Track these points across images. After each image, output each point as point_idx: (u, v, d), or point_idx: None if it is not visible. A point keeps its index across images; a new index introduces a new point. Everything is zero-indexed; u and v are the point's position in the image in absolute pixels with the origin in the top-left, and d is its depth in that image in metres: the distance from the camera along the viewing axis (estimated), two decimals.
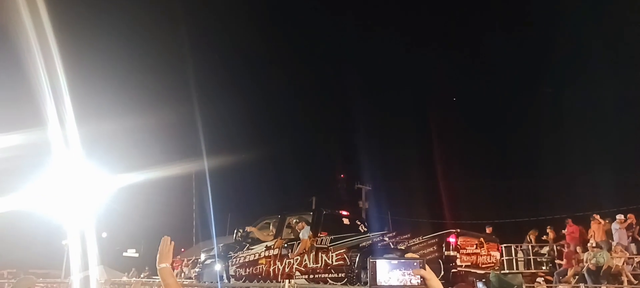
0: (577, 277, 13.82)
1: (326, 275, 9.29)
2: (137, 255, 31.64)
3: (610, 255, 13.33)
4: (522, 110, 34.32)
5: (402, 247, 8.59)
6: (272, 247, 10.46)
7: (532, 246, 16.08)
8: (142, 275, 20.50)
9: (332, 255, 9.36)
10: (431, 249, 8.35)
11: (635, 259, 13.59)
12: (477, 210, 19.90)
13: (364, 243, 9.14)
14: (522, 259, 16.22)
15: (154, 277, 19.69)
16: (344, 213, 11.16)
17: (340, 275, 9.07)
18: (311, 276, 9.49)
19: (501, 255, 15.72)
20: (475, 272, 8.45)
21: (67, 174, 15.86)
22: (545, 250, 16.00)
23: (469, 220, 18.80)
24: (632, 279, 12.68)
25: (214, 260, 11.50)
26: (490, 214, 21.49)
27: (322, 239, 9.71)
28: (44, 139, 14.79)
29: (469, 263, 8.43)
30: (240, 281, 10.57)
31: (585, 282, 13.30)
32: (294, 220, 10.59)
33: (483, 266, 8.82)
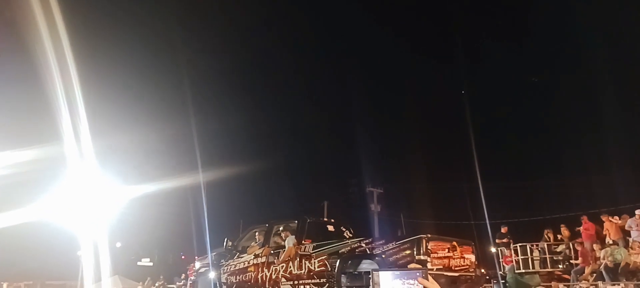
0: (595, 274, 13.73)
1: (309, 281, 9.93)
2: (151, 264, 31.99)
3: (628, 251, 13.23)
4: (536, 109, 34.21)
5: (378, 252, 9.24)
6: (260, 255, 11.15)
7: (548, 244, 15.96)
8: (157, 284, 20.72)
9: (314, 262, 9.97)
10: (404, 254, 8.90)
11: None
12: (492, 210, 19.87)
13: (343, 250, 9.77)
14: (538, 258, 16.11)
15: (169, 286, 19.89)
16: (329, 220, 11.93)
17: (322, 281, 9.68)
18: (296, 282, 10.19)
19: (516, 254, 15.78)
20: (447, 275, 9.03)
21: (81, 186, 16.16)
22: (560, 248, 15.89)
23: (483, 219, 18.77)
24: None
25: (208, 268, 12.28)
26: (505, 214, 21.42)
27: (306, 246, 10.36)
28: (58, 151, 15.13)
29: (441, 266, 8.98)
30: None
31: (603, 280, 13.21)
32: (280, 229, 11.27)
33: (456, 269, 9.34)
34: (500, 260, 17.48)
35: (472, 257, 9.86)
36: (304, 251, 10.29)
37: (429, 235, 9.09)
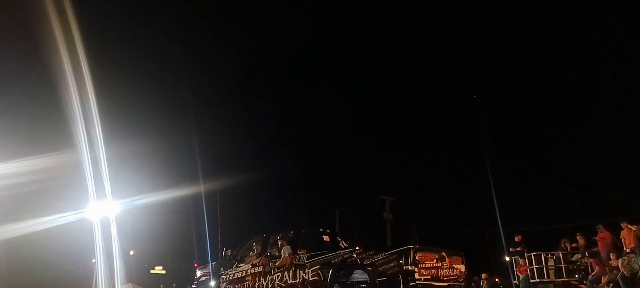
0: (611, 284, 13.47)
1: None
2: (164, 272, 32.18)
3: None
4: (552, 115, 33.90)
5: (368, 263, 9.65)
6: (257, 264, 11.66)
7: (564, 254, 15.72)
8: None
9: (308, 271, 10.44)
10: (392, 265, 9.28)
11: None
12: (506, 217, 19.67)
13: (335, 260, 10.21)
14: (553, 267, 15.87)
15: None
16: (324, 230, 12.38)
17: None
18: None
19: (531, 264, 15.57)
20: (436, 285, 9.37)
21: (95, 194, 16.40)
22: (576, 257, 15.63)
23: (496, 228, 18.59)
24: None
25: (208, 277, 12.91)
26: (520, 222, 21.21)
27: (300, 256, 10.86)
28: (72, 160, 15.39)
29: (429, 277, 9.33)
30: None
31: None
32: (277, 239, 11.70)
33: (445, 279, 9.64)
34: (515, 269, 17.24)
35: (462, 267, 10.15)
36: (299, 261, 10.75)
37: (417, 246, 9.50)
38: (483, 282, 19.86)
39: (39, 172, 15.41)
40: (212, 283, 12.47)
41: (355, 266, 9.89)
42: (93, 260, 20.78)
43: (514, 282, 17.31)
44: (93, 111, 16.13)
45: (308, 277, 10.40)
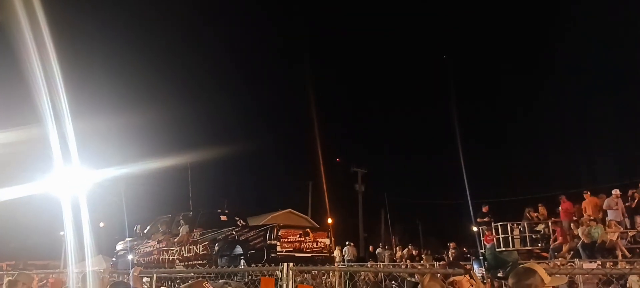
0: (572, 252, 14.15)
1: (196, 263, 12.32)
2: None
3: (605, 229, 13.63)
4: (519, 89, 34.72)
5: (243, 239, 11.47)
6: (161, 241, 13.74)
7: (529, 223, 16.35)
8: None
9: (200, 247, 12.39)
10: (260, 239, 11.07)
11: (630, 233, 13.90)
12: (475, 189, 20.23)
13: (220, 237, 12.06)
14: (518, 237, 16.47)
15: None
16: (223, 211, 14.22)
17: (204, 262, 12.03)
18: (186, 263, 12.63)
19: (497, 233, 16.14)
20: (298, 256, 10.93)
21: (64, 166, 16.07)
22: (540, 227, 16.28)
23: (465, 199, 19.14)
24: (627, 253, 13.16)
25: (126, 251, 14.94)
26: (488, 193, 21.88)
27: (195, 234, 12.84)
28: (40, 132, 15.02)
29: (291, 249, 11.08)
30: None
31: (580, 257, 13.61)
32: (180, 218, 13.63)
33: (307, 250, 11.38)
34: (482, 239, 17.82)
35: (327, 241, 11.94)
36: (193, 238, 12.75)
37: (281, 224, 11.54)
38: (451, 251, 20.46)
39: (5, 145, 15.00)
40: (130, 256, 14.40)
41: (235, 242, 11.73)
42: (61, 233, 20.54)
43: (481, 251, 17.89)
44: (59, 83, 15.67)
45: (199, 251, 12.31)
